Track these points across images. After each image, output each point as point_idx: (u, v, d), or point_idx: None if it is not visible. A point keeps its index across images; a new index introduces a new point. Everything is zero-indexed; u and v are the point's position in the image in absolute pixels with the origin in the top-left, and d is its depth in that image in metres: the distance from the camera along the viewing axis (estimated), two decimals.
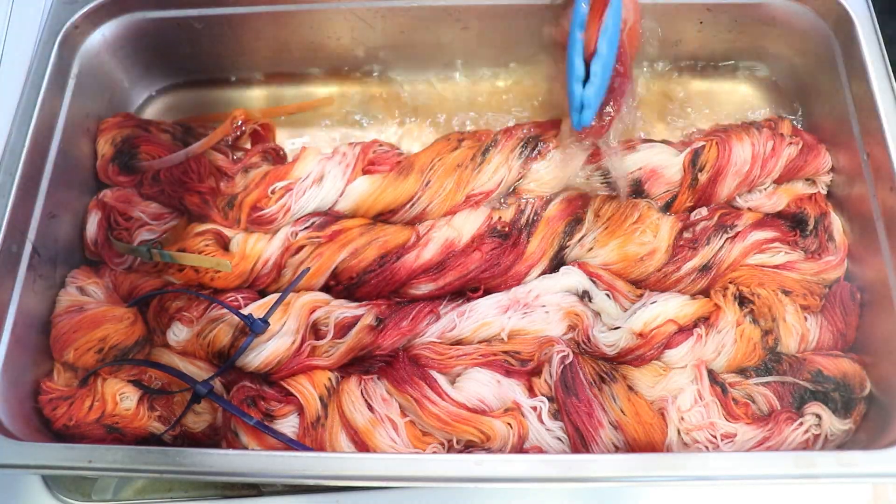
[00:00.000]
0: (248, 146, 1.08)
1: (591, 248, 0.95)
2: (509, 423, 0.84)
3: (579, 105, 0.82)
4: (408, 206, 0.97)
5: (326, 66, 1.18)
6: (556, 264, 0.96)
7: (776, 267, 0.95)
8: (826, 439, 0.86)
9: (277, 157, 1.07)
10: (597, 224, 0.96)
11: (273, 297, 0.91)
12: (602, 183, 0.99)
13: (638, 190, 0.99)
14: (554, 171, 0.98)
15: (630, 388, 0.87)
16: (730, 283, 0.95)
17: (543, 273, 0.95)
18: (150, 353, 0.92)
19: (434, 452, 0.84)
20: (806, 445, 0.85)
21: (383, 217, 0.98)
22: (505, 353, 0.89)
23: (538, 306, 0.91)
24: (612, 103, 0.87)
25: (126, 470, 0.75)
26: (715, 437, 0.84)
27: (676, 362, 0.90)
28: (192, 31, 1.10)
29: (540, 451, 0.84)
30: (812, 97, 1.09)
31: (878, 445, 0.79)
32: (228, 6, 1.07)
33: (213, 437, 0.88)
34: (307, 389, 0.86)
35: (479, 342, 0.91)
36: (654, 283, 0.95)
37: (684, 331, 0.91)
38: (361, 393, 0.86)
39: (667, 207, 1.00)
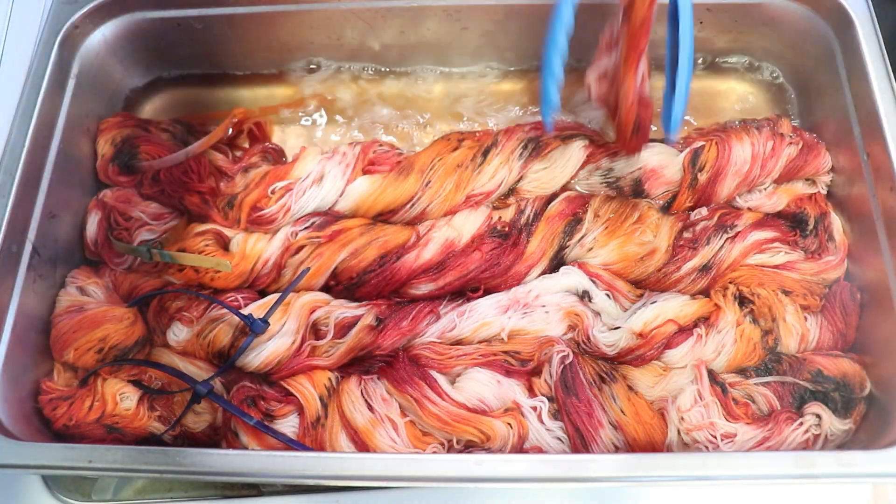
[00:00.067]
0: (247, 145, 1.08)
1: (591, 248, 0.95)
2: (509, 423, 0.84)
3: (553, 106, 0.86)
4: (408, 206, 0.97)
5: (327, 66, 1.18)
6: (556, 264, 0.96)
7: (776, 267, 0.95)
8: (826, 439, 0.86)
9: (277, 156, 1.07)
10: (597, 224, 0.96)
11: (273, 297, 0.91)
12: (602, 183, 0.99)
13: (638, 190, 0.99)
14: (554, 171, 0.98)
15: (630, 388, 0.87)
16: (730, 283, 0.95)
17: (543, 273, 0.95)
18: (150, 353, 0.92)
19: (434, 452, 0.84)
20: (806, 445, 0.85)
21: (383, 217, 0.98)
22: (505, 353, 0.89)
23: (538, 306, 0.91)
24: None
25: (126, 470, 0.75)
26: (715, 437, 0.84)
27: (676, 362, 0.90)
28: (191, 31, 1.10)
29: (540, 451, 0.84)
30: (812, 97, 1.09)
31: (878, 445, 0.79)
32: (228, 6, 1.08)
33: (213, 437, 0.88)
34: (307, 389, 0.86)
35: (479, 342, 0.91)
36: (654, 283, 0.95)
37: (684, 331, 0.91)
38: (361, 393, 0.86)
39: (667, 207, 1.00)
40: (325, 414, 0.85)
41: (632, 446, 0.84)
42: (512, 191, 1.00)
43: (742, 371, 0.92)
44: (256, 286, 0.95)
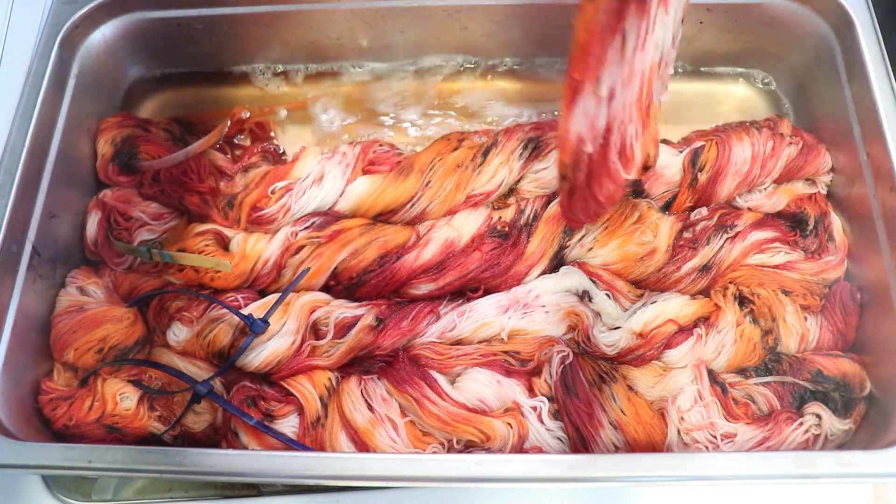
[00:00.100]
0: (248, 144, 1.08)
1: (591, 248, 0.95)
2: (509, 423, 0.84)
3: None
4: (408, 206, 0.97)
5: (327, 66, 1.18)
6: (556, 264, 0.96)
7: (776, 267, 0.95)
8: (826, 439, 0.86)
9: (277, 156, 1.07)
10: (597, 224, 0.96)
11: (273, 297, 0.91)
12: None
13: (638, 190, 0.99)
14: (554, 171, 0.98)
15: (630, 388, 0.87)
16: (730, 283, 0.95)
17: (543, 273, 0.95)
18: (150, 353, 0.92)
19: (434, 452, 0.84)
20: (806, 445, 0.85)
21: (383, 217, 0.98)
22: (505, 353, 0.89)
23: (538, 306, 0.91)
24: None
25: (126, 470, 0.75)
26: (715, 437, 0.84)
27: (676, 362, 0.90)
28: (192, 31, 1.10)
29: (540, 451, 0.84)
30: (812, 97, 1.09)
31: (878, 445, 0.79)
32: (228, 6, 1.08)
33: (213, 437, 0.88)
34: (307, 389, 0.86)
35: (479, 342, 0.91)
36: (654, 283, 0.95)
37: (684, 331, 0.91)
38: (361, 393, 0.86)
39: (667, 207, 1.00)
40: (325, 414, 0.85)
41: (632, 446, 0.84)
42: (512, 191, 1.00)
43: (742, 371, 0.92)
44: (256, 286, 0.95)
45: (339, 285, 0.95)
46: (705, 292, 0.95)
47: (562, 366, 0.87)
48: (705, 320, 0.92)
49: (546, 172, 0.98)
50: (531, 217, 0.97)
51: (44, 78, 0.96)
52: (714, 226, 0.96)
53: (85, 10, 1.02)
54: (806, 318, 0.93)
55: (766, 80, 1.16)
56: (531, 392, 0.88)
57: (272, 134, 1.11)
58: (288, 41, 1.13)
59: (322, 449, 0.83)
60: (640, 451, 0.83)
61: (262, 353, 0.87)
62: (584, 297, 0.93)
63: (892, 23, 1.03)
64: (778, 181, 1.02)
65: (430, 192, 0.96)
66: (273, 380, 0.89)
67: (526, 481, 0.74)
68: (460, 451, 0.85)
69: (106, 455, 0.75)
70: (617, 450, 0.83)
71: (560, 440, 0.85)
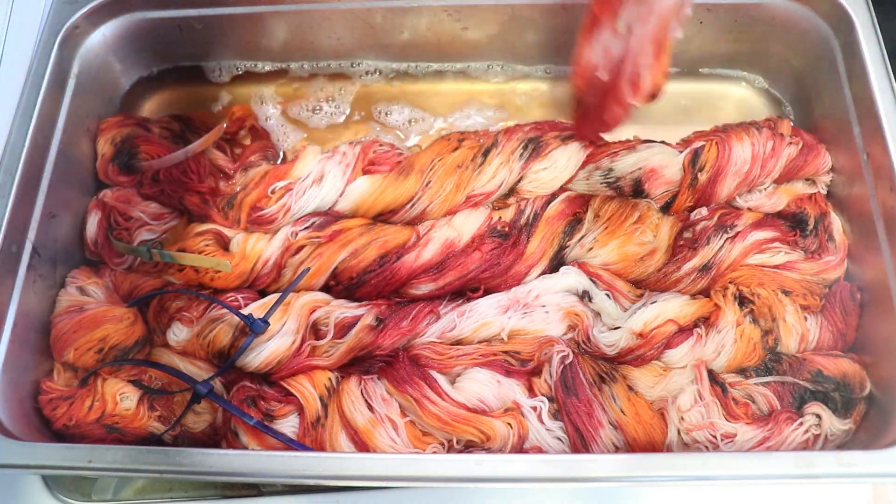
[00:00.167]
0: (248, 142, 1.08)
1: (591, 248, 0.95)
2: (509, 423, 0.84)
3: None
4: (408, 206, 0.97)
5: (326, 66, 1.18)
6: (556, 264, 0.96)
7: (776, 267, 0.95)
8: (826, 439, 0.86)
9: (277, 155, 1.07)
10: (597, 224, 0.96)
11: (273, 297, 0.91)
12: (602, 183, 0.99)
13: (638, 190, 0.99)
14: (554, 171, 0.98)
15: (630, 388, 0.87)
16: (730, 283, 0.95)
17: (543, 273, 0.95)
18: (150, 353, 0.92)
19: (434, 452, 0.84)
20: (806, 445, 0.85)
21: (383, 217, 0.98)
22: (505, 353, 0.89)
23: (538, 306, 0.91)
24: None
25: (126, 470, 0.75)
26: (715, 437, 0.84)
27: (676, 362, 0.90)
28: (191, 31, 1.10)
29: (540, 451, 0.84)
30: (812, 97, 1.09)
31: (878, 445, 0.79)
32: (228, 6, 1.08)
33: (213, 437, 0.88)
34: (307, 389, 0.86)
35: (479, 342, 0.91)
36: (654, 283, 0.95)
37: (684, 331, 0.91)
38: (361, 393, 0.86)
39: (667, 207, 1.00)
40: (325, 414, 0.85)
41: (632, 446, 0.84)
42: (512, 191, 1.00)
43: (742, 371, 0.92)
44: (256, 286, 0.95)
45: (339, 285, 0.95)
46: (705, 292, 0.95)
47: (562, 366, 0.87)
48: (705, 320, 0.92)
49: (546, 173, 0.98)
50: (531, 217, 0.97)
51: (44, 78, 0.96)
52: (714, 226, 0.96)
53: (85, 10, 1.02)
54: (806, 318, 0.93)
55: (767, 81, 1.16)
56: (531, 392, 0.88)
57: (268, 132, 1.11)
58: (287, 41, 1.13)
59: (322, 449, 0.83)
60: (640, 451, 0.83)
61: (262, 353, 0.87)
62: (584, 297, 0.93)
63: (892, 23, 1.03)
64: (778, 181, 1.02)
65: (430, 192, 0.96)
66: (273, 380, 0.89)
67: (526, 481, 0.74)
68: (460, 451, 0.85)
69: (106, 455, 0.75)
70: (617, 450, 0.83)
71: (560, 440, 0.85)
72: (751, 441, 0.84)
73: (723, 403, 0.86)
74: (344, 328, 0.90)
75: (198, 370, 0.89)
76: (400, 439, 0.84)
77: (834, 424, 0.86)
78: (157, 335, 0.93)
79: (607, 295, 0.93)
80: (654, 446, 0.84)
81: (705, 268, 0.94)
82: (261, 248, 0.94)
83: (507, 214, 0.98)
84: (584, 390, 0.85)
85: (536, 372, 0.89)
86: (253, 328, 0.87)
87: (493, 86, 1.17)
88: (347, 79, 1.18)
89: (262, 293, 0.95)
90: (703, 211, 0.99)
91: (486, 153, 0.98)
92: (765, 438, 0.84)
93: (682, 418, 0.85)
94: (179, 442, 0.89)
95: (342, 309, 0.91)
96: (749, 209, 1.00)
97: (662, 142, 1.02)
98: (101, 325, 0.88)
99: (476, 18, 1.09)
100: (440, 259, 0.94)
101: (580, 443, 0.84)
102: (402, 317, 0.91)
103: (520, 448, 0.84)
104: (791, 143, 1.00)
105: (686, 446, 0.85)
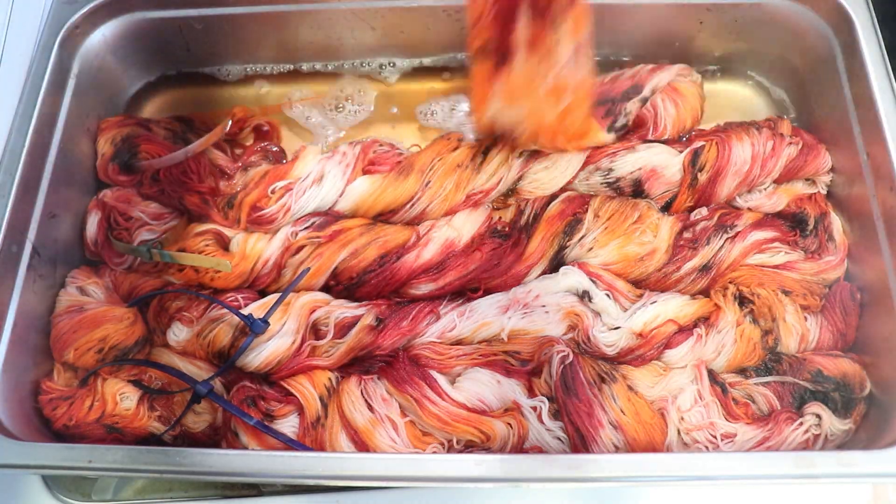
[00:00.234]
0: (249, 143, 1.08)
1: (591, 248, 0.95)
2: (509, 423, 0.84)
3: None
4: (408, 206, 0.97)
5: (326, 66, 1.18)
6: (556, 264, 0.96)
7: (776, 267, 0.95)
8: (826, 439, 0.86)
9: (277, 155, 1.07)
10: (597, 224, 0.96)
11: (273, 297, 0.91)
12: (602, 183, 0.99)
13: (638, 190, 0.99)
14: (554, 171, 0.98)
15: (630, 388, 0.87)
16: (730, 283, 0.95)
17: (543, 273, 0.95)
18: (150, 353, 0.92)
19: (434, 452, 0.84)
20: (806, 445, 0.85)
21: (383, 217, 0.98)
22: (505, 353, 0.89)
23: (538, 306, 0.91)
24: None
25: (126, 470, 0.75)
26: (715, 437, 0.84)
27: (676, 362, 0.90)
28: (192, 31, 1.10)
29: (540, 451, 0.84)
30: (812, 97, 1.09)
31: (878, 445, 0.79)
32: (228, 6, 1.08)
33: (213, 437, 0.88)
34: (307, 389, 0.86)
35: (479, 342, 0.91)
36: (654, 283, 0.95)
37: (684, 331, 0.91)
38: (361, 393, 0.86)
39: (667, 207, 1.00)
40: (325, 414, 0.85)
41: (632, 446, 0.84)
42: (512, 191, 1.00)
43: (742, 371, 0.92)
44: (256, 286, 0.95)
45: (339, 285, 0.95)
46: (705, 292, 0.95)
47: (562, 366, 0.87)
48: (705, 320, 0.92)
49: (546, 172, 0.98)
50: (531, 217, 0.97)
51: (44, 78, 0.96)
52: (714, 226, 0.96)
53: (85, 10, 1.02)
54: (806, 318, 0.93)
55: (767, 81, 1.16)
56: (531, 392, 0.88)
57: (277, 135, 1.11)
58: (288, 41, 1.13)
59: (322, 449, 0.83)
60: (640, 451, 0.83)
61: (262, 353, 0.87)
62: (584, 297, 0.93)
63: (892, 23, 1.03)
64: (778, 181, 1.02)
65: (430, 192, 0.96)
66: (273, 380, 0.89)
67: (525, 481, 0.74)
68: (460, 451, 0.85)
69: (106, 455, 0.75)
70: (617, 450, 0.83)
71: (560, 440, 0.85)
72: (751, 441, 0.84)
73: (723, 403, 0.86)
74: (344, 328, 0.90)
75: (198, 370, 0.89)
76: (400, 439, 0.84)
77: (834, 424, 0.86)
78: (157, 335, 0.93)
79: (607, 295, 0.93)
80: (654, 446, 0.84)
81: (705, 268, 0.94)
82: (261, 248, 0.94)
83: (507, 214, 0.98)
84: (584, 390, 0.85)
85: (536, 372, 0.89)
86: (253, 328, 0.87)
87: None
88: (348, 78, 1.17)
89: (262, 293, 0.95)
90: (703, 211, 0.99)
91: (485, 152, 0.98)
92: (765, 438, 0.84)
93: (682, 418, 0.85)
94: (179, 442, 0.89)
95: (342, 309, 0.91)
96: (749, 209, 1.00)
97: (662, 141, 1.02)
98: (101, 325, 0.88)
99: None
100: (440, 259, 0.94)
101: (580, 443, 0.84)
102: (402, 317, 0.91)
103: (520, 448, 0.84)
104: (791, 143, 1.00)
105: (686, 446, 0.85)
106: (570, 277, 0.93)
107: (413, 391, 0.84)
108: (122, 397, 0.86)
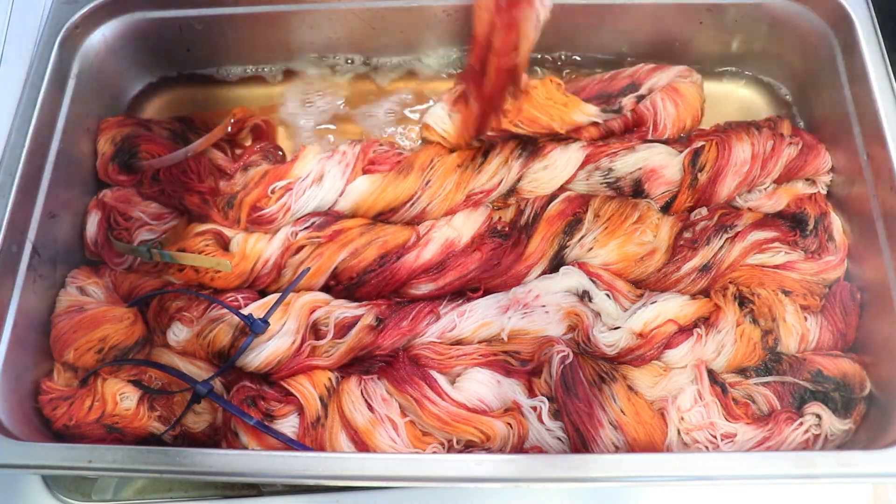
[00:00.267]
0: (249, 143, 1.08)
1: (591, 248, 0.95)
2: (509, 423, 0.84)
3: None
4: (408, 205, 0.97)
5: (326, 66, 1.18)
6: (556, 264, 0.96)
7: (776, 267, 0.95)
8: (826, 439, 0.86)
9: (277, 155, 1.07)
10: (597, 224, 0.96)
11: (273, 297, 0.91)
12: (602, 183, 0.99)
13: (638, 190, 0.99)
14: (554, 170, 0.98)
15: (630, 388, 0.87)
16: (730, 283, 0.95)
17: (543, 273, 0.95)
18: (150, 353, 0.92)
19: (434, 452, 0.84)
20: (806, 445, 0.85)
21: (383, 217, 0.98)
22: (505, 353, 0.89)
23: (538, 306, 0.91)
24: None
25: (126, 470, 0.75)
26: (715, 437, 0.84)
27: (676, 362, 0.90)
28: (191, 31, 1.10)
29: (540, 451, 0.84)
30: (812, 97, 1.09)
31: (878, 445, 0.79)
32: (228, 6, 1.08)
33: (213, 437, 0.88)
34: (307, 389, 0.86)
35: (479, 342, 0.91)
36: (654, 283, 0.95)
37: (684, 331, 0.91)
38: (361, 393, 0.86)
39: (667, 207, 1.00)
40: (325, 414, 0.85)
41: (632, 446, 0.84)
42: (512, 191, 1.00)
43: (742, 371, 0.92)
44: (256, 286, 0.95)
45: (339, 285, 0.95)
46: (705, 292, 0.95)
47: (562, 366, 0.87)
48: (705, 320, 0.92)
49: (546, 172, 0.98)
50: (531, 217, 0.97)
51: (44, 78, 0.96)
52: (714, 226, 0.96)
53: (85, 10, 1.02)
54: (806, 318, 0.93)
55: (767, 81, 1.16)
56: (531, 392, 0.88)
57: (276, 136, 1.11)
58: (288, 41, 1.13)
59: (322, 449, 0.83)
60: (640, 451, 0.83)
61: (262, 353, 0.87)
62: (584, 297, 0.93)
63: (892, 23, 1.03)
64: (778, 181, 1.02)
65: (430, 192, 0.96)
66: (273, 380, 0.89)
67: (526, 481, 0.74)
68: (460, 451, 0.85)
69: (106, 455, 0.75)
70: (617, 450, 0.83)
71: (560, 440, 0.85)
72: (751, 441, 0.84)
73: (723, 403, 0.86)
74: (344, 328, 0.90)
75: (198, 370, 0.89)
76: (400, 439, 0.84)
77: (834, 424, 0.86)
78: (157, 335, 0.93)
79: (607, 295, 0.93)
80: (654, 446, 0.84)
81: (705, 268, 0.94)
82: (261, 248, 0.94)
83: (507, 214, 0.98)
84: (584, 390, 0.85)
85: (536, 372, 0.89)
86: (253, 328, 0.87)
87: None
88: (348, 78, 1.17)
89: (262, 293, 0.95)
90: (703, 211, 0.99)
91: (485, 152, 0.98)
92: (765, 438, 0.84)
93: (682, 418, 0.85)
94: (179, 442, 0.89)
95: (342, 309, 0.91)
96: (749, 209, 1.00)
97: (662, 141, 1.02)
98: (101, 325, 0.88)
99: None
100: (440, 259, 0.94)
101: (580, 443, 0.84)
102: (402, 317, 0.91)
103: (520, 448, 0.84)
104: (791, 143, 1.00)
105: (686, 446, 0.85)
106: (570, 277, 0.93)
107: (413, 391, 0.84)
108: (122, 397, 0.86)
